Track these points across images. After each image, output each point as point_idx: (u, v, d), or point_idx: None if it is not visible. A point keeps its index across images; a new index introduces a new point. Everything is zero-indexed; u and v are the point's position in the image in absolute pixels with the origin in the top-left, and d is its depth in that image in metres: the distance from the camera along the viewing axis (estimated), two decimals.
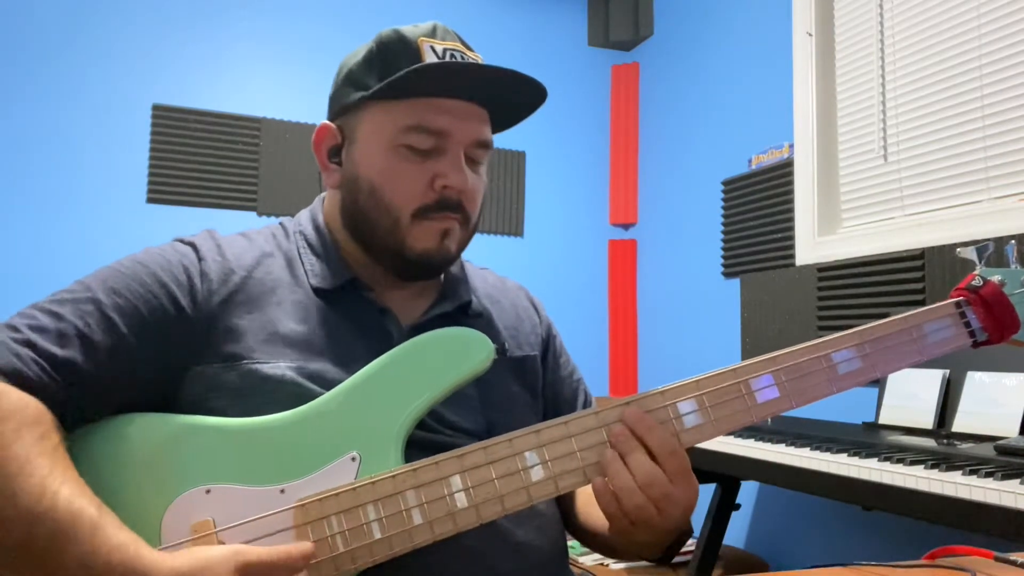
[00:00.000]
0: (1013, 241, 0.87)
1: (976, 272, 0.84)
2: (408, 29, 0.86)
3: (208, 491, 0.73)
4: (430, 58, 0.84)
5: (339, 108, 0.89)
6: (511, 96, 0.88)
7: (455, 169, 0.84)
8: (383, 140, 0.84)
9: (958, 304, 0.83)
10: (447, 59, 0.84)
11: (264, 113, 2.84)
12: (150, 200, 2.70)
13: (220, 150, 2.78)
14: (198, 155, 2.75)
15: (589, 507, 0.94)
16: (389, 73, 0.83)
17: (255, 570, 0.67)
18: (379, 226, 0.85)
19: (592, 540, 0.95)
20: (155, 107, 2.72)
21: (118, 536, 0.65)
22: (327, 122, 0.90)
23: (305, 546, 0.70)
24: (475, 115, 0.87)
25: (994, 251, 0.87)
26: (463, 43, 0.89)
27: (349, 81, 0.88)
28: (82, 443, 0.73)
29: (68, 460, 0.68)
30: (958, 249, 0.88)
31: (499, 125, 0.92)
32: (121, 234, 2.61)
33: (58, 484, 0.64)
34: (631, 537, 0.76)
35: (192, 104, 2.76)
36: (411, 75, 0.81)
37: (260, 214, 2.81)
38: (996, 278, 0.83)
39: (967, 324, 0.82)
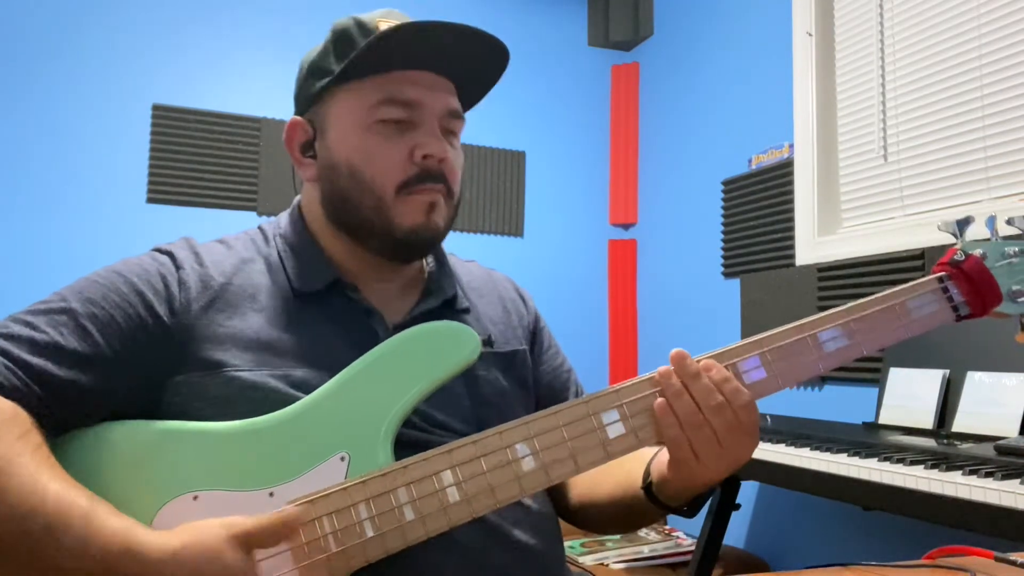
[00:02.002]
0: (994, 213, 0.86)
1: (957, 246, 0.84)
2: (363, 15, 0.87)
3: (195, 497, 0.72)
4: None
5: (305, 101, 0.89)
6: (474, 59, 0.87)
7: (432, 137, 0.85)
8: (356, 121, 0.84)
9: (940, 279, 0.82)
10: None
11: (264, 113, 2.84)
12: (150, 200, 2.69)
13: (220, 150, 2.77)
14: (198, 155, 2.75)
15: (592, 486, 0.94)
16: (348, 55, 0.83)
17: (248, 539, 0.67)
18: (363, 207, 0.84)
19: (600, 515, 0.94)
20: (155, 107, 2.72)
21: (112, 523, 0.65)
22: (296, 117, 0.90)
23: (292, 510, 0.70)
24: (443, 86, 0.87)
25: (974, 225, 0.86)
26: None
27: (311, 72, 0.88)
28: (65, 454, 0.73)
29: (52, 457, 0.69)
30: (939, 223, 0.87)
31: (469, 99, 0.92)
32: (121, 234, 2.61)
33: (46, 479, 0.65)
34: (689, 474, 0.76)
35: (192, 104, 2.76)
36: (372, 45, 0.81)
37: (260, 214, 2.81)
38: (978, 252, 0.83)
39: (950, 299, 0.81)
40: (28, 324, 0.74)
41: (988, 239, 0.85)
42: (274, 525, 0.68)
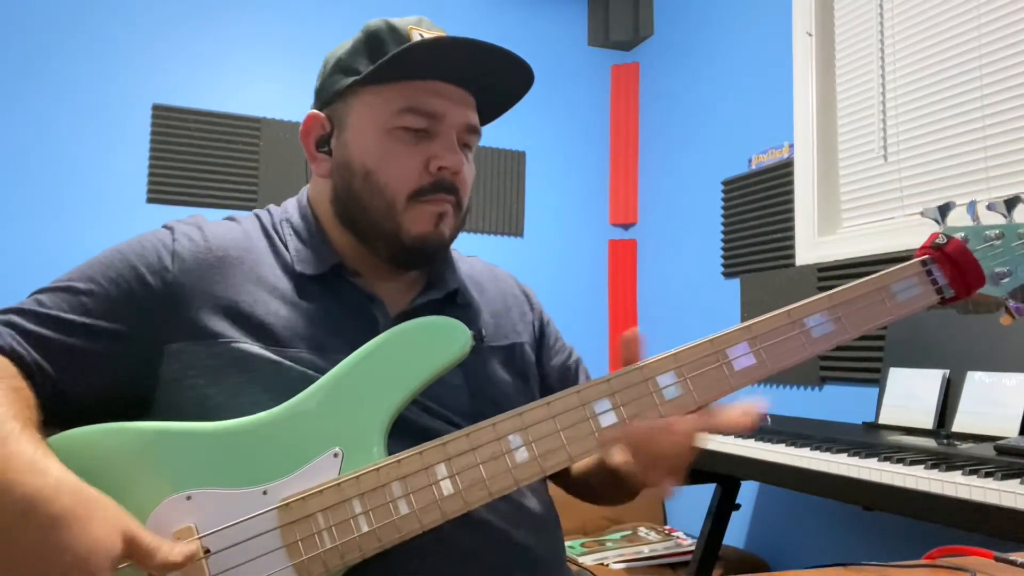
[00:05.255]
0: (974, 200, 0.87)
1: (939, 231, 0.85)
2: (396, 19, 0.88)
3: (189, 497, 0.72)
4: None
5: (328, 96, 0.89)
6: (500, 79, 0.88)
7: (449, 151, 0.85)
8: (376, 124, 0.85)
9: (924, 263, 0.83)
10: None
11: (264, 113, 2.84)
12: (150, 200, 2.70)
13: (220, 150, 2.77)
14: (198, 155, 2.75)
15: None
16: (379, 58, 0.83)
17: (133, 544, 0.64)
18: (374, 210, 0.85)
19: (596, 486, 0.96)
20: (155, 107, 2.72)
21: (28, 449, 0.65)
22: (315, 111, 0.90)
23: (187, 547, 0.67)
24: (465, 100, 0.87)
25: (956, 210, 0.87)
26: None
27: (338, 69, 0.88)
28: (59, 456, 0.72)
29: (25, 402, 0.71)
30: (921, 211, 0.88)
31: (486, 115, 0.92)
32: (121, 234, 2.53)
33: None
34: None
35: (192, 104, 2.76)
36: (404, 54, 0.81)
37: None
38: (959, 235, 0.83)
39: (934, 282, 0.82)
40: (37, 301, 0.80)
41: (971, 224, 0.86)
42: (160, 549, 0.65)
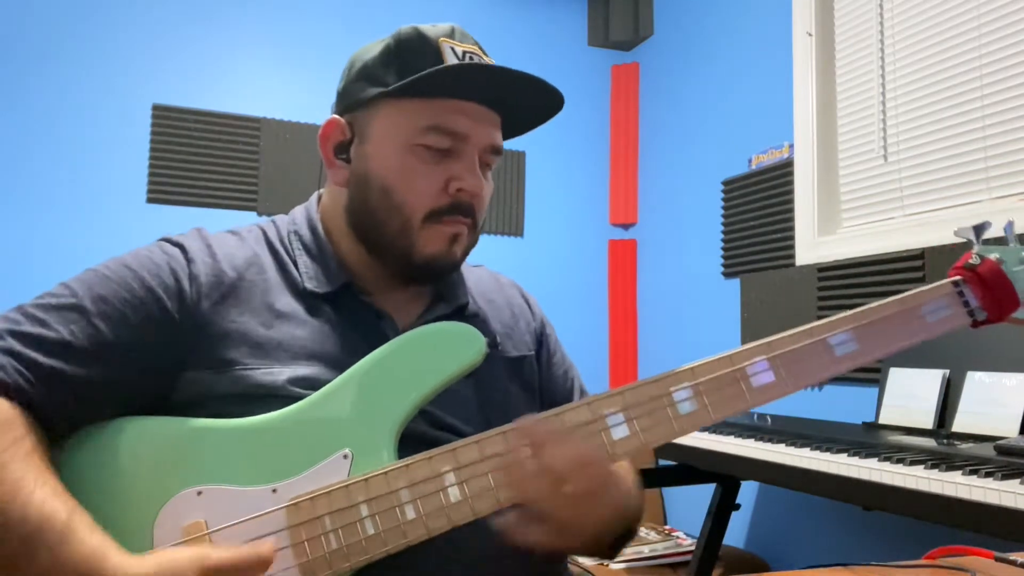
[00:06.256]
0: (1011, 220, 0.84)
1: (973, 251, 0.82)
2: (427, 28, 0.85)
3: (200, 492, 0.72)
4: (451, 58, 0.83)
5: (351, 103, 0.86)
6: (529, 103, 0.87)
7: (470, 172, 0.83)
8: (399, 139, 0.83)
9: (956, 283, 0.80)
10: (467, 61, 0.83)
11: (264, 113, 2.84)
12: (150, 200, 2.70)
13: (220, 150, 2.78)
14: (198, 155, 2.75)
15: None
16: (408, 71, 0.81)
17: (220, 571, 0.66)
18: (388, 227, 0.83)
19: None
20: (155, 107, 2.72)
21: (87, 542, 0.64)
22: (336, 116, 0.88)
23: (267, 545, 0.69)
24: (491, 120, 0.86)
25: (992, 230, 0.84)
26: (479, 47, 0.88)
27: (364, 75, 0.85)
28: (71, 451, 0.73)
29: (43, 463, 0.68)
30: (955, 229, 0.85)
31: (508, 132, 0.91)
32: (121, 234, 2.61)
33: (30, 489, 0.64)
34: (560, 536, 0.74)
35: (192, 104, 2.76)
36: (438, 75, 0.79)
37: (260, 214, 2.81)
38: (994, 256, 0.81)
39: (966, 303, 0.80)
40: (39, 321, 0.73)
41: (1004, 243, 0.83)
42: (246, 560, 0.67)
